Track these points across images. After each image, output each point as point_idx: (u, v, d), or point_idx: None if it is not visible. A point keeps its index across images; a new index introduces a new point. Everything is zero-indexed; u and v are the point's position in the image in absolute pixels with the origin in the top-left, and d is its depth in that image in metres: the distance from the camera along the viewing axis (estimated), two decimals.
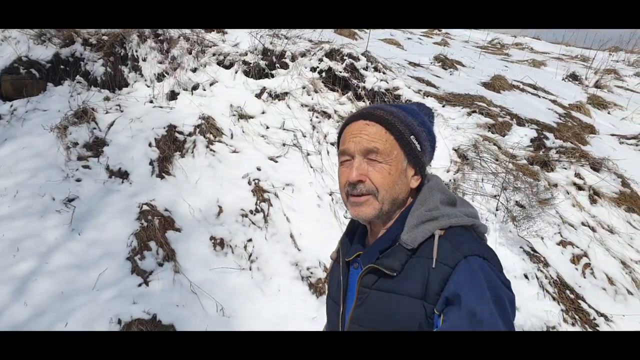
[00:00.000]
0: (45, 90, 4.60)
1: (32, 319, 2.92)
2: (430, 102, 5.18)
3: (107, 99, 4.64)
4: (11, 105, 4.39)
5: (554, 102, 6.99)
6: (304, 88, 5.05)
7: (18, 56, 4.61)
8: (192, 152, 4.39)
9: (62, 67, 4.74)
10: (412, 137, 1.16)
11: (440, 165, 4.68)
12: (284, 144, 4.65)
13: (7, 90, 4.46)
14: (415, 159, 1.18)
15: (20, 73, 4.53)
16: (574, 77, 9.02)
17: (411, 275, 1.08)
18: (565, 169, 5.04)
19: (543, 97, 7.15)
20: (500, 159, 4.79)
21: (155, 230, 3.61)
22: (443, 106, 5.33)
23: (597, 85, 8.74)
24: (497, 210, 4.40)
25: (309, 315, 3.55)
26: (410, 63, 6.89)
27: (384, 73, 5.37)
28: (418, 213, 1.14)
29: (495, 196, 4.46)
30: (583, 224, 4.58)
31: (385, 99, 5.09)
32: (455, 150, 4.86)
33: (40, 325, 2.89)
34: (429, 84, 5.80)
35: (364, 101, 5.16)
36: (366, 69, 5.32)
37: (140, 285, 3.25)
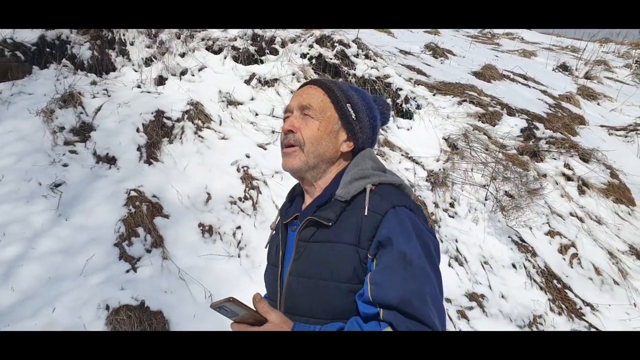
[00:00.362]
0: (30, 73, 4.52)
1: (18, 304, 2.89)
2: (420, 91, 5.17)
3: (94, 83, 4.57)
4: None
5: (544, 92, 7.01)
6: (293, 75, 5.01)
7: (2, 38, 4.51)
8: (181, 138, 4.35)
9: (47, 50, 4.65)
10: (348, 104, 1.29)
11: (430, 154, 4.69)
12: (273, 131, 4.62)
13: None
14: (348, 125, 1.28)
15: (5, 55, 4.44)
16: (564, 68, 9.06)
17: (345, 225, 1.18)
18: (555, 159, 5.08)
19: (533, 88, 7.18)
20: (490, 148, 4.81)
21: (143, 217, 3.58)
22: (434, 95, 5.33)
23: (587, 77, 8.78)
24: (486, 199, 4.43)
25: None
26: (401, 51, 6.86)
27: (374, 60, 5.35)
28: (352, 172, 1.25)
29: (484, 186, 4.49)
30: (571, 214, 4.63)
31: (376, 87, 5.07)
32: (445, 139, 4.87)
33: (27, 310, 2.87)
34: (419, 72, 5.79)
35: None
36: (357, 56, 5.29)
37: (128, 271, 3.23)
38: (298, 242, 1.25)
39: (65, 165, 3.83)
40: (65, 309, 2.93)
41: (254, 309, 1.12)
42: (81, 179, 3.77)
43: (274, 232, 1.42)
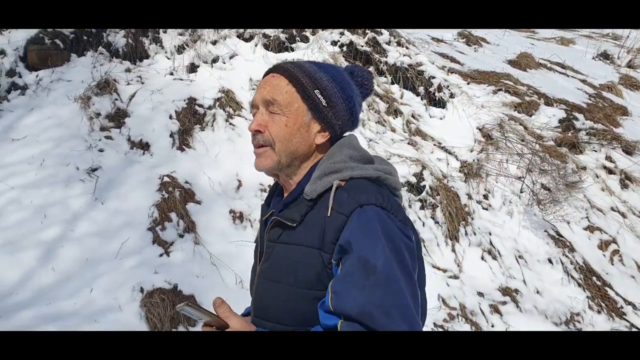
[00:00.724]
0: (69, 60, 4.62)
1: (59, 284, 2.99)
2: (454, 79, 5.05)
3: (128, 70, 4.64)
4: (37, 75, 4.43)
5: (583, 81, 6.76)
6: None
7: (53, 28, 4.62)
8: (212, 125, 4.38)
9: (85, 37, 4.74)
10: (316, 91, 1.14)
11: (464, 144, 4.59)
12: None
13: (32, 60, 4.49)
14: (319, 114, 1.15)
15: (45, 43, 4.55)
16: (605, 56, 8.70)
17: (310, 226, 1.08)
18: (595, 151, 4.89)
19: (572, 77, 6.92)
20: (526, 139, 4.67)
21: (176, 202, 3.63)
22: (468, 83, 5.20)
23: (630, 65, 8.41)
24: (521, 192, 4.31)
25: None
26: (433, 39, 6.72)
27: (407, 48, 5.25)
28: (323, 166, 1.14)
29: (520, 178, 4.36)
30: (612, 209, 4.46)
31: (408, 75, 4.98)
32: (479, 129, 4.76)
33: (67, 291, 2.96)
34: (453, 60, 5.65)
35: (385, 76, 5.06)
36: (389, 43, 5.20)
37: (161, 255, 3.29)
38: (267, 242, 1.16)
39: (101, 150, 3.91)
40: (102, 290, 3.01)
41: (215, 313, 1.08)
42: (116, 164, 3.85)
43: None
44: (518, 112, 4.98)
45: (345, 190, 1.08)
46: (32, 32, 4.58)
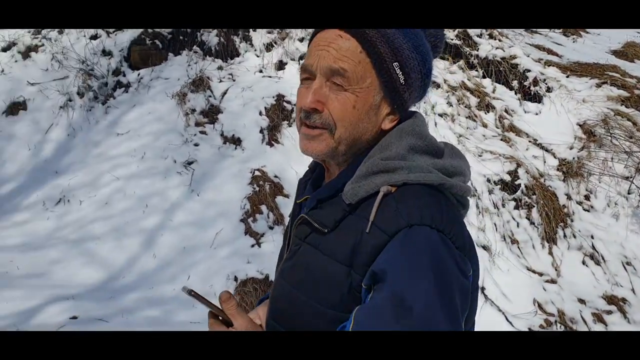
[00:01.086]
0: (166, 59, 4.90)
1: (159, 269, 3.18)
2: (552, 72, 4.73)
3: (220, 68, 4.83)
4: (138, 74, 4.74)
5: None
6: None
7: (144, 28, 4.94)
8: None
9: (181, 37, 5.00)
10: (395, 64, 0.88)
11: (562, 141, 4.28)
12: None
13: (135, 60, 4.82)
14: (393, 94, 0.90)
15: (146, 44, 4.86)
16: None
17: (343, 235, 0.86)
18: None
19: None
20: (635, 136, 4.26)
21: (266, 195, 3.73)
22: (567, 77, 4.84)
23: None
24: (629, 193, 3.94)
25: None
26: (526, 29, 6.34)
27: (499, 40, 4.99)
28: (372, 161, 0.88)
29: (627, 178, 4.00)
30: None
31: (501, 68, 4.73)
32: (580, 125, 4.41)
33: (167, 276, 3.13)
34: (550, 52, 5.30)
35: (476, 70, 4.85)
36: (480, 35, 4.97)
37: (253, 246, 3.38)
38: (294, 237, 0.95)
39: (196, 144, 4.11)
40: (199, 277, 3.15)
41: (221, 307, 0.93)
42: (210, 158, 4.02)
43: None
44: (626, 106, 4.55)
45: (394, 199, 0.84)
46: (136, 33, 4.91)
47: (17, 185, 3.93)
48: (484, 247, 3.62)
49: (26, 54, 5.04)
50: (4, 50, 5.09)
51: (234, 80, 4.71)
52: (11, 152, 4.22)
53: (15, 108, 4.60)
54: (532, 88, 4.61)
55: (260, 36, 5.06)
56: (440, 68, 4.82)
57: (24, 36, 5.14)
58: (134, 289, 3.08)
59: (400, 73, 0.88)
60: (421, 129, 0.93)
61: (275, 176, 3.92)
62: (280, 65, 4.88)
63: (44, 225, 3.57)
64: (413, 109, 0.99)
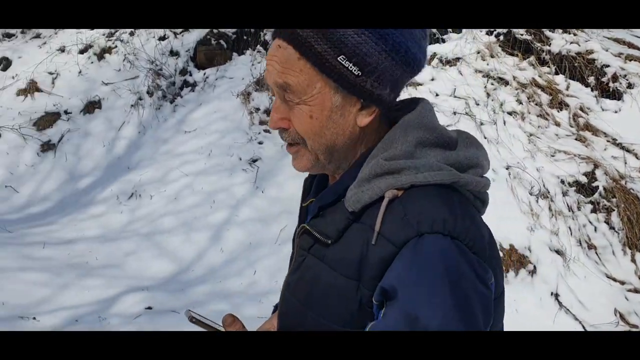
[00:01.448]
0: (231, 59, 5.02)
1: (226, 264, 3.25)
2: (634, 67, 4.42)
3: None
4: (204, 74, 4.88)
5: None
6: (478, 53, 4.69)
7: (210, 29, 5.08)
8: None
9: (244, 37, 5.10)
10: (340, 57, 0.77)
11: None
12: (454, 113, 4.41)
13: (201, 60, 4.96)
14: (352, 89, 0.79)
15: (212, 44, 4.99)
16: None
17: (348, 247, 0.79)
18: None
19: None
20: None
21: None
22: None
23: None
24: None
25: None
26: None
27: (574, 35, 4.73)
28: (375, 161, 0.80)
29: None
30: None
31: (576, 64, 4.48)
32: None
33: (233, 270, 3.20)
34: (631, 46, 4.96)
35: (548, 66, 4.62)
36: (553, 30, 4.73)
37: None
38: (298, 248, 0.88)
39: (260, 142, 4.17)
40: (264, 272, 3.19)
41: (221, 329, 0.87)
42: (274, 156, 4.07)
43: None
44: None
45: (401, 204, 0.76)
46: (202, 34, 5.06)
47: (94, 180, 4.14)
48: (558, 252, 3.44)
49: (101, 55, 5.32)
50: (82, 52, 5.39)
51: None
52: (88, 149, 4.46)
53: (91, 107, 4.86)
54: (610, 84, 4.33)
55: None
56: (509, 65, 4.64)
57: (99, 39, 5.42)
58: (203, 282, 3.16)
59: (350, 64, 0.77)
60: (429, 119, 0.83)
61: None
62: None
63: (118, 219, 3.74)
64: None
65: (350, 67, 0.77)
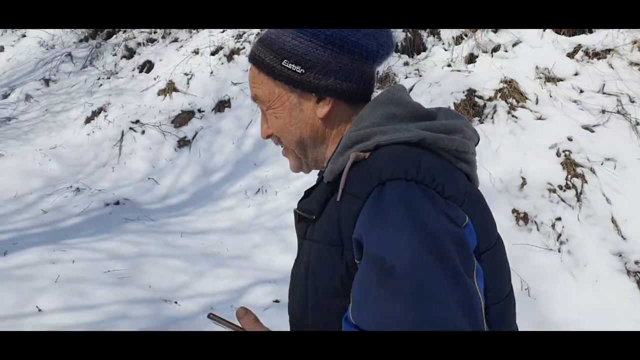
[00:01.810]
0: None
1: None
2: None
3: (406, 64, 4.75)
4: None
5: None
6: (634, 43, 4.13)
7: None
8: (492, 117, 4.11)
9: None
10: (284, 62, 0.88)
11: None
12: (603, 111, 3.93)
13: None
14: (301, 86, 0.88)
15: None
16: None
17: (329, 216, 0.82)
18: None
19: None
20: None
21: None
22: None
23: None
24: None
25: (635, 315, 2.95)
26: None
27: None
28: (346, 136, 0.85)
29: None
30: None
31: None
32: None
33: None
34: None
35: None
36: None
37: None
38: (298, 238, 0.94)
39: None
40: None
41: (239, 325, 0.90)
42: None
43: None
44: None
45: (366, 163, 0.79)
46: None
47: (224, 175, 4.38)
48: None
49: (230, 56, 5.62)
50: (213, 54, 5.76)
51: (420, 76, 4.58)
52: (219, 145, 4.73)
53: (222, 106, 5.15)
54: None
55: (449, 29, 4.84)
56: None
57: (228, 41, 5.74)
58: None
59: (293, 65, 0.87)
60: (399, 96, 0.87)
61: None
62: (471, 59, 4.60)
63: (246, 212, 3.90)
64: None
65: (294, 68, 0.87)
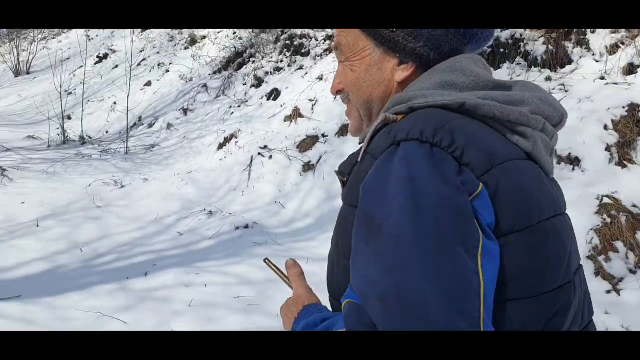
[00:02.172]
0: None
1: None
2: None
3: (549, 79, 4.27)
4: None
5: None
6: None
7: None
8: None
9: (502, 50, 4.66)
10: None
11: None
12: None
13: None
14: (388, 44, 0.83)
15: None
16: None
17: (355, 178, 0.78)
18: None
19: None
20: None
21: (622, 229, 2.99)
22: None
23: None
24: None
25: None
26: None
27: None
28: (390, 100, 0.82)
29: None
30: None
31: None
32: None
33: None
34: None
35: None
36: None
37: (609, 292, 2.72)
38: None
39: None
40: None
41: (286, 275, 0.98)
42: None
43: None
44: None
45: (395, 125, 0.73)
46: None
47: None
48: None
49: None
50: None
51: (566, 91, 4.07)
52: None
53: (345, 130, 5.11)
54: None
55: (601, 38, 4.27)
56: None
57: None
58: None
59: None
60: (463, 64, 0.80)
61: (634, 205, 3.12)
62: (630, 69, 3.98)
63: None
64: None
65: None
